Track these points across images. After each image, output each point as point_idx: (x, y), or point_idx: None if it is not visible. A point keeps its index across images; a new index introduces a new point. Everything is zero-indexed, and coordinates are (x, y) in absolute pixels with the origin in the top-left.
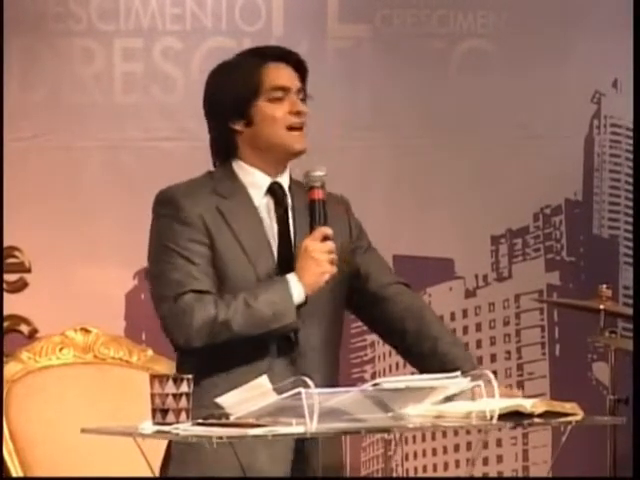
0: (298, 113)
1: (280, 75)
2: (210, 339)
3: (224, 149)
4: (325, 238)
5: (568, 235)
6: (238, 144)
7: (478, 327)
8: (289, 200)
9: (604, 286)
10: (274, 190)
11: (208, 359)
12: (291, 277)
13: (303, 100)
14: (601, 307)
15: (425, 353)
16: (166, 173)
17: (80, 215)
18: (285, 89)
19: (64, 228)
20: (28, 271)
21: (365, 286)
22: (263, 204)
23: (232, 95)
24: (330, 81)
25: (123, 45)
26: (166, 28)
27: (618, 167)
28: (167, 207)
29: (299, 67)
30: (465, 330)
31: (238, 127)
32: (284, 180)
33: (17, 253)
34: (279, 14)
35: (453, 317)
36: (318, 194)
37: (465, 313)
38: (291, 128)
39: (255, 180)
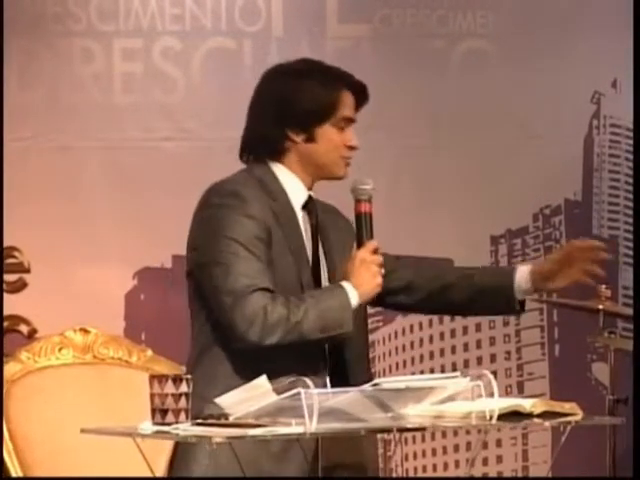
0: (352, 148)
1: (350, 106)
2: (282, 339)
3: (269, 149)
4: (375, 251)
5: (568, 235)
6: (287, 151)
7: (478, 327)
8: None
9: (603, 286)
10: (308, 204)
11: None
12: (347, 285)
13: None
14: (600, 307)
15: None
16: (166, 173)
17: (79, 215)
18: (350, 120)
19: (63, 228)
20: (27, 271)
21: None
22: (300, 214)
23: (304, 110)
24: None
25: (122, 45)
26: (166, 28)
27: (617, 167)
28: (231, 199)
29: (361, 98)
30: (465, 330)
31: (296, 138)
32: (312, 194)
33: (16, 253)
34: (279, 14)
35: (453, 317)
36: (365, 207)
37: None
38: (343, 157)
39: (296, 188)
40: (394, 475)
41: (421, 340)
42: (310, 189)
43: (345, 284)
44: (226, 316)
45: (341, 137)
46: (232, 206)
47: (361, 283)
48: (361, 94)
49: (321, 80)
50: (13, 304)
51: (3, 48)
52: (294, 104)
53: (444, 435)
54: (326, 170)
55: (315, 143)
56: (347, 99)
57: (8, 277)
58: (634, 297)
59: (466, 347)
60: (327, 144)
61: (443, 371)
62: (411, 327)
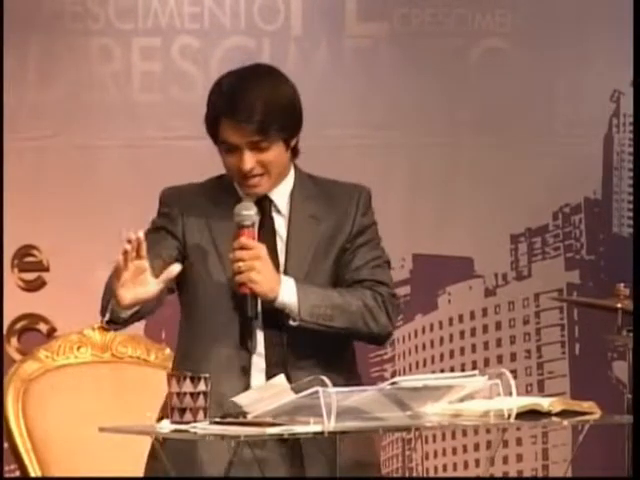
0: (241, 171)
1: (229, 132)
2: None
3: None
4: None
5: (588, 234)
6: None
7: (498, 326)
8: (284, 212)
9: (622, 285)
10: (261, 205)
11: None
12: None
13: (264, 148)
14: (618, 306)
15: None
16: (185, 172)
17: (98, 214)
18: (232, 145)
19: (82, 227)
20: (46, 270)
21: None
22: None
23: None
24: (348, 80)
25: (141, 44)
26: (184, 27)
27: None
28: (160, 205)
29: (254, 122)
30: (485, 329)
31: None
32: (279, 192)
33: (35, 252)
34: (298, 13)
35: (473, 316)
36: (247, 233)
37: (485, 312)
38: (242, 178)
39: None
40: (414, 474)
41: (441, 338)
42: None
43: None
44: None
45: (232, 159)
46: (158, 212)
47: None
48: (247, 120)
49: (209, 104)
50: (32, 302)
51: (3, 48)
52: None
53: (464, 434)
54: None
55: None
56: (225, 125)
57: (27, 275)
58: (634, 297)
59: (486, 346)
60: (224, 165)
61: (463, 370)
62: (431, 325)
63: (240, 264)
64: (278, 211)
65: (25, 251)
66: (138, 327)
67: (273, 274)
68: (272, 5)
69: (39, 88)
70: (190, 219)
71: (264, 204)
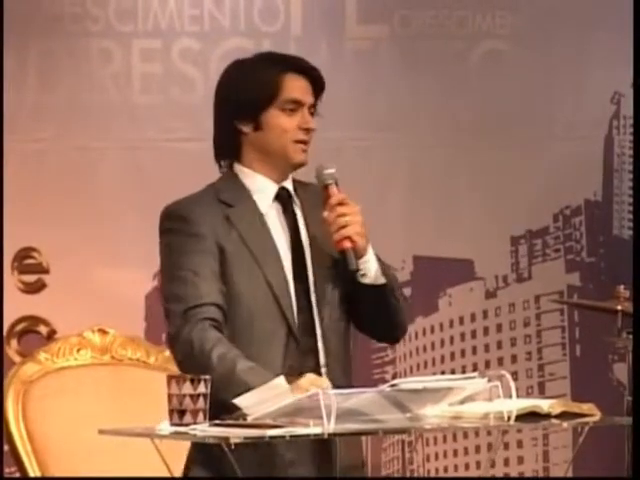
0: (307, 130)
1: (297, 88)
2: (194, 368)
3: (227, 148)
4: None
5: (588, 236)
6: (242, 146)
7: (499, 328)
8: (298, 204)
9: (622, 287)
10: (281, 196)
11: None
12: (284, 384)
13: (312, 115)
14: (619, 308)
15: None
16: (185, 174)
17: (98, 216)
18: (299, 103)
19: (82, 229)
20: (46, 272)
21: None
22: (270, 210)
23: (245, 97)
24: (348, 82)
25: (141, 46)
26: (184, 29)
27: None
28: (175, 221)
29: (317, 83)
30: (486, 331)
31: (245, 129)
32: (289, 184)
33: (35, 254)
34: (297, 15)
35: (474, 318)
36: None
37: (485, 314)
38: (297, 142)
39: (260, 186)
40: (415, 476)
41: (442, 341)
42: (282, 180)
43: (283, 383)
44: (167, 339)
45: (290, 121)
46: (175, 229)
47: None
48: (312, 78)
49: (262, 65)
50: (32, 305)
51: (3, 48)
52: (237, 93)
53: (465, 436)
54: (280, 157)
55: (262, 130)
56: (293, 82)
57: (27, 278)
58: (634, 299)
59: (487, 348)
60: (274, 129)
61: (464, 372)
62: (432, 328)
63: (347, 218)
64: (294, 202)
65: (25, 253)
66: (138, 329)
67: None
68: (272, 7)
69: (39, 90)
70: (217, 227)
71: (282, 194)
